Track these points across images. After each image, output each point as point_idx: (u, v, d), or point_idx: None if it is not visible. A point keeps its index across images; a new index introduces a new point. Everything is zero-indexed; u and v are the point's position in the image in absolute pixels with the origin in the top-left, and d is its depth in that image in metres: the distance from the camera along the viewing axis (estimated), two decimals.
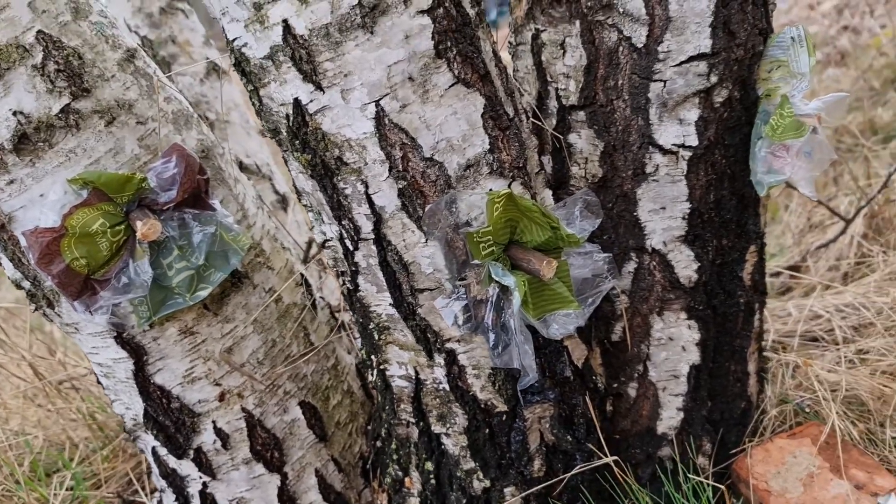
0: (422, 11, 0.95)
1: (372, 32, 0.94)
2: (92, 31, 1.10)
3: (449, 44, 0.98)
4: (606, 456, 1.23)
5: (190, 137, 1.21)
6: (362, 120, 0.99)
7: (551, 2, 1.17)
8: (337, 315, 1.49)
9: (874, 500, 1.26)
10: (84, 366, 1.97)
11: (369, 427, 1.47)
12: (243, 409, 1.27)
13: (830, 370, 1.55)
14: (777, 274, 2.46)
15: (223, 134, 1.84)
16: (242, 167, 1.84)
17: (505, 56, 1.18)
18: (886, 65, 4.58)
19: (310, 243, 1.72)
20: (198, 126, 1.24)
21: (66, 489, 1.62)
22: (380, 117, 0.98)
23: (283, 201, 1.88)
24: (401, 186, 1.02)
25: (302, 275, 1.40)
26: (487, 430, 1.21)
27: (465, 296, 1.06)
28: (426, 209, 1.01)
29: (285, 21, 0.94)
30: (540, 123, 1.24)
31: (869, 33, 5.41)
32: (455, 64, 0.99)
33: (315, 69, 0.96)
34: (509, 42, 1.28)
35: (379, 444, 1.41)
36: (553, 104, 1.23)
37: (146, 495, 1.64)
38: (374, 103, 0.98)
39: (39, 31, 1.03)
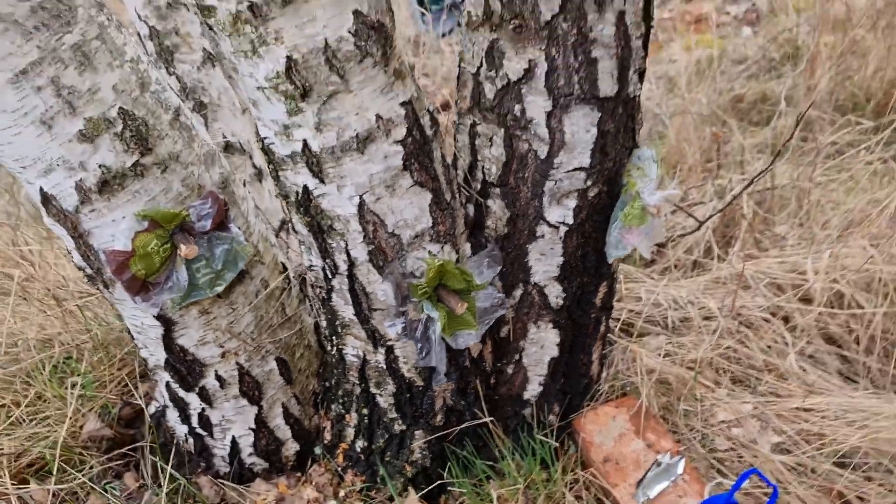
0: (397, 141, 1.42)
1: (362, 153, 1.41)
2: (152, 99, 1.50)
3: (412, 160, 1.46)
4: (486, 417, 1.83)
5: (214, 172, 1.64)
6: (349, 206, 1.46)
7: (486, 109, 1.64)
8: (305, 291, 1.99)
9: (655, 456, 1.92)
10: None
11: (320, 371, 2.02)
12: (237, 364, 1.79)
13: (652, 357, 2.18)
14: None
15: (215, 115, 2.23)
16: (228, 145, 2.25)
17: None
18: (787, 39, 4.98)
19: (283, 223, 2.19)
20: (218, 161, 1.68)
21: (80, 389, 2.12)
22: (361, 205, 1.46)
23: (259, 174, 2.31)
24: (370, 249, 1.52)
25: (283, 264, 1.89)
26: (409, 395, 1.78)
27: (405, 318, 1.60)
28: (385, 265, 1.51)
29: (304, 140, 1.39)
30: (468, 189, 1.73)
31: None
32: (415, 172, 1.47)
33: (321, 170, 1.43)
34: (454, 120, 1.74)
35: (327, 384, 1.96)
36: (479, 175, 1.72)
37: (140, 397, 2.16)
38: (358, 196, 1.45)
39: (120, 108, 1.44)
